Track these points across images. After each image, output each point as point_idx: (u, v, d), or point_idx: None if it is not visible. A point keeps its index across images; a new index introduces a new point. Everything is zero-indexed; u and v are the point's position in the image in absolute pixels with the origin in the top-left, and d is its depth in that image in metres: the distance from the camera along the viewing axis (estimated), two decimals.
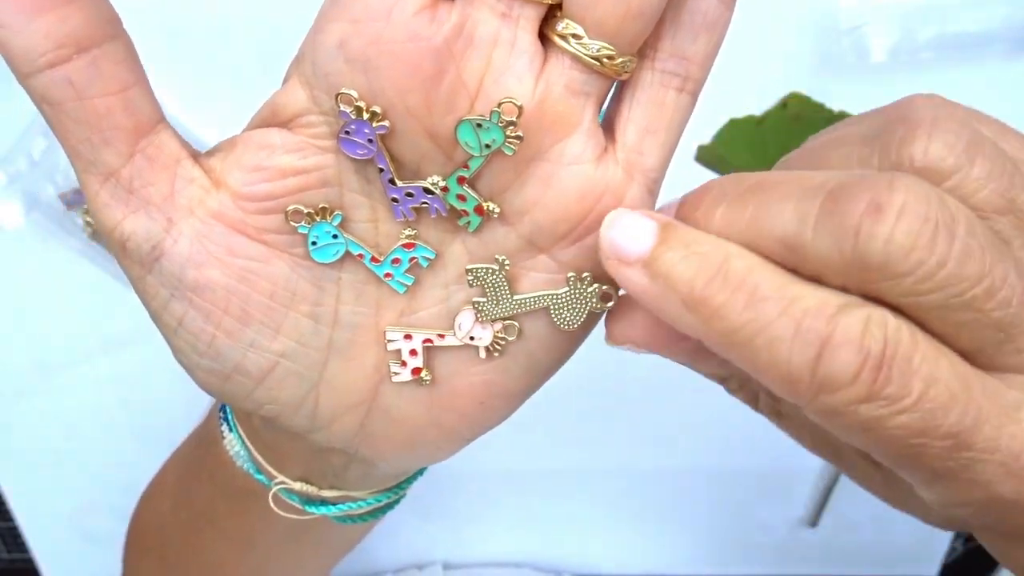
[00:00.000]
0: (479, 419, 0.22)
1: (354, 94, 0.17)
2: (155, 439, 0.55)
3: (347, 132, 0.18)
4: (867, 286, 0.15)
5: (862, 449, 0.16)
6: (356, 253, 0.19)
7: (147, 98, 0.18)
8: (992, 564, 0.66)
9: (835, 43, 0.42)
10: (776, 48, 0.42)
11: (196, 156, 0.19)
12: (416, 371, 0.20)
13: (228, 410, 0.26)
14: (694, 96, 0.19)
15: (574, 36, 0.17)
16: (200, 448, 0.31)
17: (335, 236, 0.19)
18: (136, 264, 0.19)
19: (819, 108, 0.44)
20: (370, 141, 0.18)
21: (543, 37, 0.18)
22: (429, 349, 0.20)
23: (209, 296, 0.19)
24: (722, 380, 0.20)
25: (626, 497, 0.58)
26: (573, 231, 0.19)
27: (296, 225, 0.19)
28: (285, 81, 0.19)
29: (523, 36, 0.17)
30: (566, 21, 0.17)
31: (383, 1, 0.17)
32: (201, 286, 0.19)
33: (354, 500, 0.25)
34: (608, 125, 0.19)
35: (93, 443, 0.55)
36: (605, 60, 0.17)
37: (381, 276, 0.19)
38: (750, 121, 0.44)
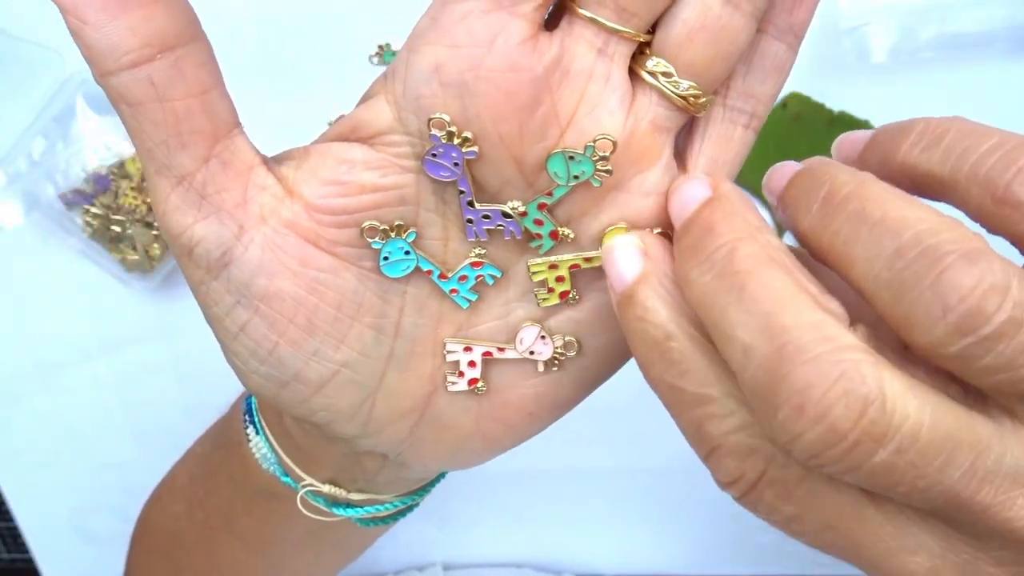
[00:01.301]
0: (524, 429, 0.22)
1: (447, 118, 0.17)
2: (155, 439, 0.55)
3: (434, 155, 0.18)
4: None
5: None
6: (426, 269, 0.19)
7: (225, 102, 0.18)
8: None
9: (835, 43, 0.42)
10: None
11: (268, 163, 0.19)
12: (472, 381, 0.20)
13: (255, 412, 0.26)
14: (757, 132, 0.19)
15: (664, 74, 0.17)
16: (219, 450, 0.31)
17: (407, 252, 0.19)
18: (201, 270, 0.18)
19: (819, 108, 0.44)
20: (456, 164, 0.18)
21: (631, 72, 0.18)
22: (487, 361, 0.20)
23: (278, 305, 0.19)
24: None
25: (626, 497, 0.58)
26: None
27: (371, 240, 0.19)
28: (368, 97, 0.19)
29: (617, 72, 0.18)
30: (657, 59, 0.17)
31: (489, 28, 0.17)
32: (271, 295, 0.19)
33: (380, 503, 0.26)
34: (679, 155, 0.19)
35: (93, 443, 0.55)
36: (691, 99, 0.18)
37: (447, 291, 0.20)
38: None
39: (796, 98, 0.43)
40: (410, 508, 0.27)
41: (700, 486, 0.59)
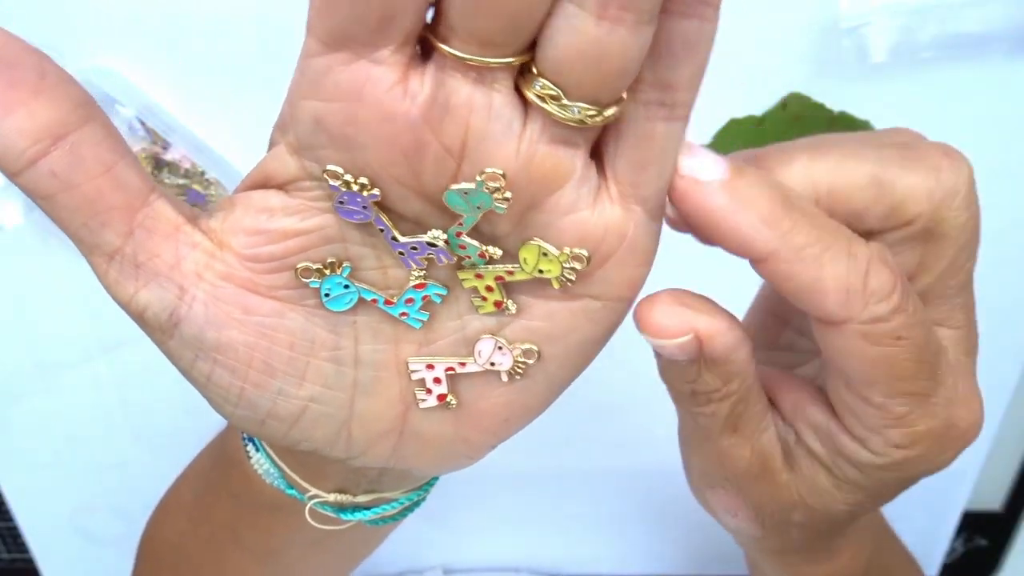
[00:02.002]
0: (503, 432, 0.22)
1: (340, 170, 0.17)
2: (155, 439, 0.55)
3: (341, 202, 0.18)
4: (939, 212, 0.19)
5: (865, 373, 0.19)
6: (369, 299, 0.20)
7: (134, 171, 0.18)
8: (992, 564, 0.66)
9: (835, 43, 0.42)
10: (776, 48, 0.42)
11: (194, 219, 0.19)
12: (441, 397, 0.21)
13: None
14: (685, 120, 0.18)
15: (552, 97, 0.16)
16: (219, 468, 0.31)
17: (346, 286, 0.19)
18: (157, 331, 0.19)
19: (819, 108, 0.44)
20: (364, 208, 0.18)
21: (519, 90, 0.17)
22: (452, 376, 0.21)
23: (232, 354, 0.19)
24: (715, 389, 0.21)
25: (626, 499, 0.58)
26: (605, 256, 0.19)
27: (307, 281, 0.19)
28: (272, 146, 0.19)
29: (498, 98, 0.16)
30: (542, 81, 0.16)
31: (353, 80, 0.16)
32: (223, 345, 0.19)
33: (388, 501, 0.26)
34: (598, 160, 0.18)
35: (93, 443, 0.55)
36: (588, 118, 0.16)
37: (396, 315, 0.20)
38: (750, 121, 0.44)
39: (796, 98, 0.43)
40: (418, 503, 0.28)
41: None
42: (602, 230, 0.18)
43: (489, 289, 0.19)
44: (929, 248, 0.20)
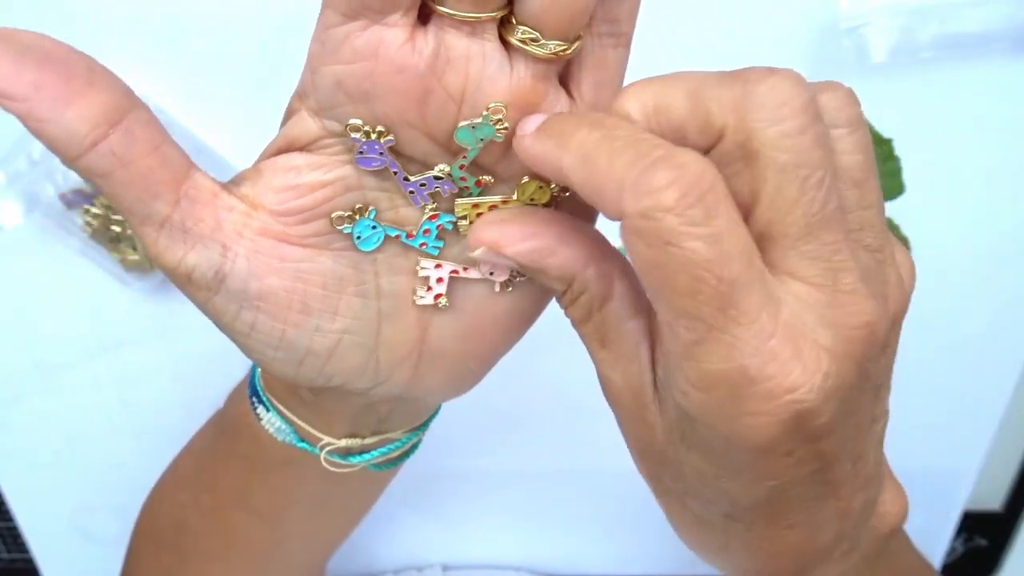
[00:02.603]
0: (505, 342, 0.26)
1: (360, 123, 0.21)
2: (155, 439, 0.55)
3: (361, 152, 0.21)
4: (744, 123, 0.18)
5: (643, 278, 0.18)
6: (394, 235, 0.23)
7: (176, 149, 0.21)
8: (992, 564, 0.66)
9: (835, 43, 0.42)
10: (776, 48, 0.42)
11: (228, 187, 0.22)
12: (437, 296, 0.24)
13: (261, 392, 0.29)
14: (628, 47, 0.22)
15: (532, 40, 0.20)
16: (225, 436, 0.33)
17: (373, 227, 0.23)
18: (203, 290, 0.21)
19: None
20: (381, 154, 0.21)
21: (505, 40, 0.20)
22: (454, 280, 0.24)
23: (273, 299, 0.22)
24: (561, 293, 0.22)
25: (626, 499, 0.58)
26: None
27: (340, 227, 0.22)
28: (290, 114, 0.22)
29: (489, 46, 0.20)
30: (522, 28, 0.20)
31: (369, 43, 0.19)
32: (265, 293, 0.22)
33: (391, 441, 0.29)
34: (565, 86, 0.22)
35: (93, 443, 0.55)
36: (560, 52, 0.20)
37: (417, 247, 0.23)
38: None
39: None
40: (416, 445, 0.31)
41: None
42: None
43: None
44: (750, 170, 0.18)
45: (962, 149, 0.45)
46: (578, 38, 0.20)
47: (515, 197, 0.23)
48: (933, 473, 0.56)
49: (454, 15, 0.19)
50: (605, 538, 0.61)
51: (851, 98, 0.21)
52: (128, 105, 0.20)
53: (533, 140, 0.20)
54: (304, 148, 0.21)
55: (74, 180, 0.44)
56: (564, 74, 0.22)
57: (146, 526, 0.40)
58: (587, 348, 0.23)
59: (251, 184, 0.22)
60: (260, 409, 0.29)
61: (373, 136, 0.21)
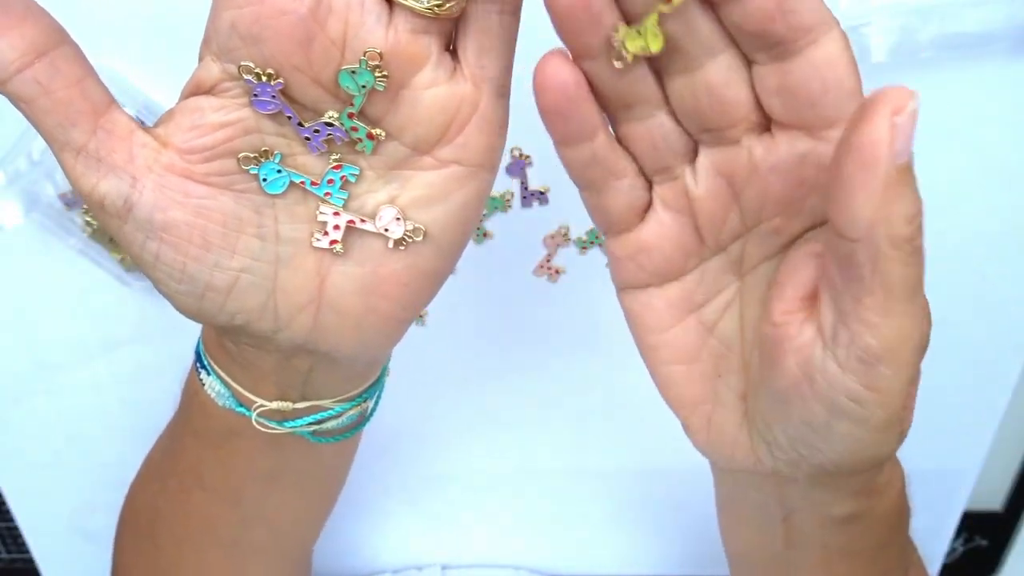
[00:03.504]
0: (408, 300, 0.27)
1: (252, 64, 0.22)
2: (155, 439, 0.55)
3: (255, 95, 0.23)
4: None
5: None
6: (299, 181, 0.24)
7: (98, 86, 0.23)
8: (992, 564, 0.66)
9: None
10: None
11: (144, 127, 0.24)
12: (333, 242, 0.25)
13: (203, 356, 0.31)
14: (513, 15, 0.23)
15: None
16: (181, 412, 0.35)
17: (279, 171, 0.24)
18: (114, 218, 0.23)
19: None
20: (273, 97, 0.23)
21: None
22: (352, 232, 0.25)
23: (175, 231, 0.24)
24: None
25: (626, 498, 0.58)
26: (446, 135, 0.24)
27: (246, 167, 0.24)
28: (200, 59, 0.23)
29: (369, 0, 0.22)
30: None
31: None
32: (168, 225, 0.24)
33: (322, 410, 0.30)
34: (453, 52, 0.24)
35: (92, 443, 0.55)
36: (437, 8, 0.22)
37: (321, 196, 0.25)
38: None
39: None
40: (357, 426, 0.32)
41: (697, 487, 0.59)
42: (458, 100, 0.24)
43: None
44: None
45: (962, 149, 0.45)
46: (459, 2, 0.22)
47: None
48: (933, 473, 0.56)
49: None
50: (605, 538, 0.60)
51: None
52: (56, 41, 0.22)
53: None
54: (209, 91, 0.23)
55: None
56: (453, 42, 0.24)
57: (125, 519, 0.41)
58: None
59: (164, 124, 0.24)
60: (203, 374, 0.30)
61: (264, 79, 0.22)
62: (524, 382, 0.53)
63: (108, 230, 0.24)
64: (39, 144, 0.43)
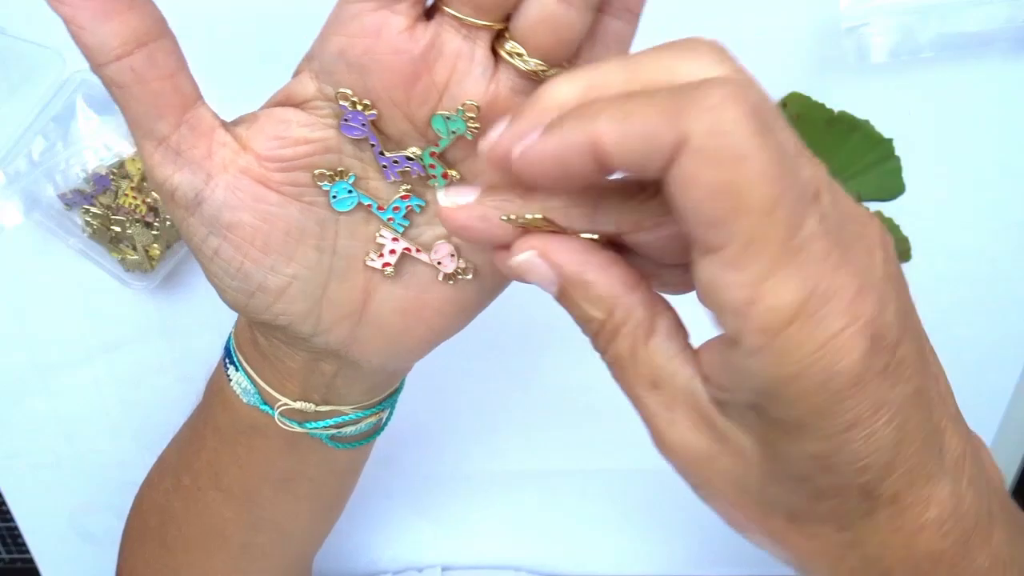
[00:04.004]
0: (443, 327, 0.28)
1: (350, 92, 0.23)
2: (155, 439, 0.55)
3: (346, 120, 0.24)
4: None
5: (724, 213, 0.17)
6: (366, 203, 0.25)
7: (190, 81, 0.23)
8: None
9: (835, 43, 0.42)
10: (776, 48, 0.42)
11: (226, 125, 0.24)
12: (386, 264, 0.26)
13: (232, 351, 0.31)
14: None
15: (518, 54, 0.22)
16: (202, 408, 0.35)
17: (349, 191, 0.25)
18: (182, 208, 0.24)
19: (819, 108, 0.44)
20: (363, 125, 0.24)
21: (495, 51, 0.23)
22: (405, 257, 0.26)
23: (239, 232, 0.24)
24: (600, 325, 0.22)
25: (626, 498, 0.58)
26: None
27: (320, 183, 0.25)
28: (297, 74, 0.24)
29: (479, 51, 0.23)
30: (512, 43, 0.22)
31: (375, 23, 0.22)
32: (234, 224, 0.24)
33: (341, 414, 0.31)
34: None
35: (92, 444, 0.55)
36: (540, 72, 0.22)
37: (384, 220, 0.26)
38: None
39: (796, 98, 0.43)
40: (372, 434, 0.33)
41: None
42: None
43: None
44: None
45: (962, 149, 0.45)
46: (561, 65, 0.22)
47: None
48: None
49: (456, 16, 0.22)
50: (605, 538, 0.61)
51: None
52: (157, 32, 0.22)
53: (548, 136, 0.19)
54: (299, 105, 0.24)
55: (74, 180, 0.44)
56: None
57: (134, 520, 0.41)
58: (635, 398, 0.22)
59: (246, 127, 0.24)
60: (231, 370, 0.31)
61: (359, 107, 0.23)
62: (524, 383, 0.53)
63: (171, 216, 0.25)
64: (39, 144, 0.43)
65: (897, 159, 0.45)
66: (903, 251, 0.48)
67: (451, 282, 0.27)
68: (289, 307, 0.26)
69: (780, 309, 0.17)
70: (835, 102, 0.43)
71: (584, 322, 0.22)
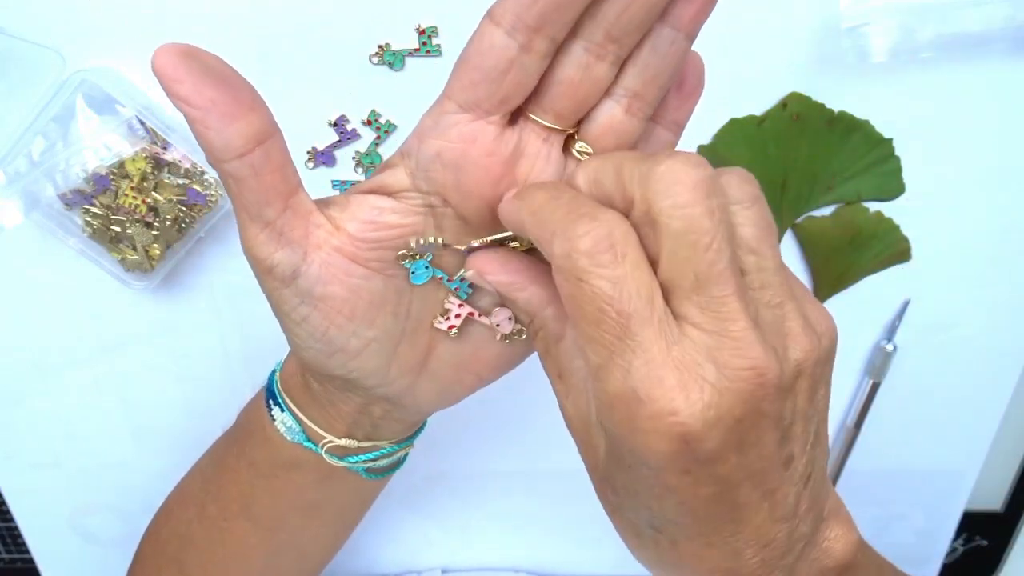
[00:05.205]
0: (488, 378, 0.31)
1: (407, 252, 0.27)
2: (155, 439, 0.55)
3: (413, 272, 0.28)
4: (647, 195, 0.22)
5: (572, 316, 0.22)
6: (438, 276, 0.28)
7: (294, 171, 0.26)
8: (992, 564, 0.66)
9: (835, 43, 0.42)
10: (776, 48, 0.42)
11: (320, 207, 0.27)
12: (451, 327, 0.29)
13: (278, 394, 0.34)
14: None
15: (586, 153, 0.26)
16: (236, 443, 0.37)
17: (426, 267, 0.28)
18: (278, 281, 0.26)
19: (819, 108, 0.44)
20: (427, 268, 0.28)
21: (567, 149, 0.27)
22: (468, 320, 0.30)
23: (330, 303, 0.27)
24: (526, 325, 0.28)
25: None
26: None
27: (403, 262, 0.28)
28: (388, 167, 0.27)
29: (555, 152, 0.26)
30: (581, 144, 0.26)
31: (472, 132, 0.25)
32: (325, 296, 0.27)
33: (381, 448, 0.34)
34: None
35: (92, 444, 0.55)
36: None
37: (452, 289, 0.29)
38: (750, 121, 0.44)
39: (796, 98, 0.43)
40: (401, 462, 0.36)
41: None
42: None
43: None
44: (654, 233, 0.22)
45: (962, 149, 0.45)
46: None
47: (517, 244, 0.28)
48: (933, 473, 0.56)
49: (538, 122, 0.26)
50: (605, 539, 0.60)
51: (746, 177, 0.23)
52: (272, 130, 0.24)
53: (506, 202, 0.26)
54: (391, 194, 0.27)
55: (74, 180, 0.44)
56: None
57: (148, 547, 0.42)
58: (549, 380, 0.27)
59: (340, 209, 0.27)
60: (275, 410, 0.33)
61: (419, 258, 0.28)
62: (524, 384, 0.53)
63: (264, 288, 0.27)
64: (39, 144, 0.43)
65: (897, 159, 0.45)
66: (903, 251, 0.48)
67: (507, 341, 0.30)
68: (363, 365, 0.29)
69: (611, 393, 0.22)
70: (835, 102, 0.43)
71: (518, 318, 0.28)
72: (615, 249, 0.21)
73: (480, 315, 0.29)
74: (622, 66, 0.25)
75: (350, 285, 0.27)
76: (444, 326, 0.30)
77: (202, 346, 0.51)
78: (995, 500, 0.62)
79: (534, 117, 0.26)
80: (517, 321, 0.29)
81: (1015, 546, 0.64)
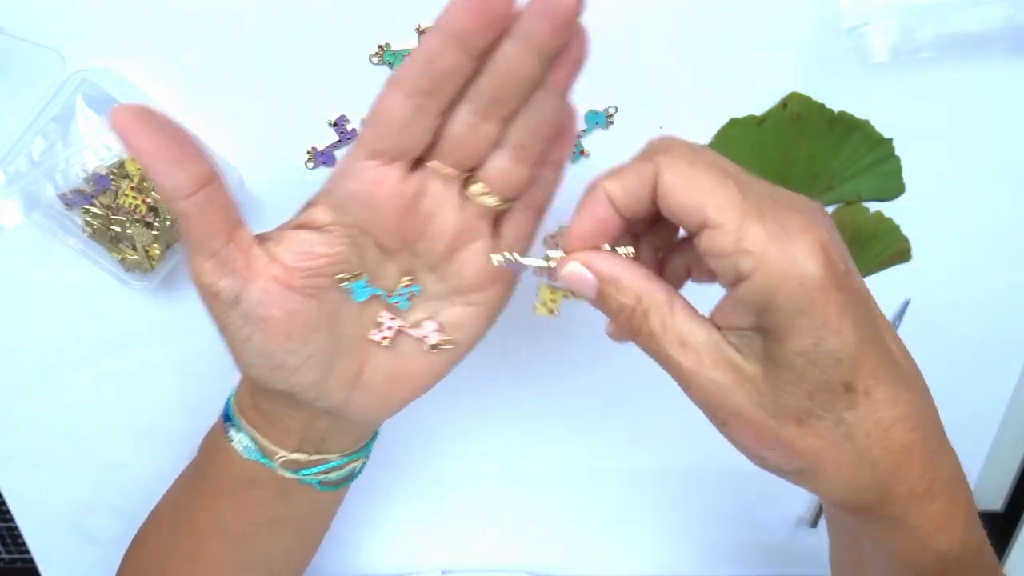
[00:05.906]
0: (419, 389, 0.35)
1: (344, 276, 0.32)
2: (155, 439, 0.55)
3: (351, 291, 0.32)
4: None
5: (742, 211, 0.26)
6: (378, 294, 0.33)
7: (235, 210, 0.30)
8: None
9: (835, 43, 0.42)
10: (776, 48, 0.42)
11: (258, 241, 0.31)
12: (384, 337, 0.34)
13: (232, 416, 0.37)
14: (541, 212, 0.33)
15: (485, 194, 0.31)
16: (201, 467, 0.40)
17: (365, 286, 0.32)
18: (223, 305, 0.30)
19: (819, 108, 0.44)
20: (365, 287, 0.32)
21: (465, 189, 0.31)
22: (399, 332, 0.34)
23: (270, 324, 0.31)
24: (631, 309, 0.30)
25: (625, 499, 0.58)
26: (480, 288, 0.33)
27: (343, 283, 0.32)
28: (312, 204, 0.31)
29: (452, 192, 0.31)
30: (479, 185, 0.31)
31: (380, 175, 0.30)
32: (265, 319, 0.31)
33: (330, 461, 0.37)
34: (496, 226, 0.33)
35: (93, 443, 0.55)
36: (499, 207, 0.32)
37: (392, 302, 0.33)
38: (750, 121, 0.44)
39: (796, 98, 0.43)
40: (355, 474, 0.39)
41: (698, 488, 0.59)
42: (494, 271, 0.33)
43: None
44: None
45: (962, 149, 0.45)
46: (511, 200, 0.32)
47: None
48: None
49: (437, 170, 0.30)
50: (605, 540, 0.61)
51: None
52: (213, 175, 0.29)
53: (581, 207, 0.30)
54: (317, 228, 0.31)
55: (74, 180, 0.44)
56: (497, 221, 0.33)
57: (131, 563, 0.44)
58: (667, 359, 0.29)
59: (275, 243, 0.31)
60: (232, 431, 0.37)
61: (354, 280, 0.32)
62: (523, 385, 0.53)
63: (211, 312, 0.31)
64: (39, 144, 0.43)
65: (897, 159, 0.45)
66: (903, 251, 0.48)
67: (434, 352, 0.34)
68: (302, 379, 0.32)
69: (756, 239, 0.25)
70: (835, 102, 0.43)
71: (618, 312, 0.30)
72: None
73: (411, 327, 0.33)
74: (510, 121, 0.29)
75: (287, 308, 0.31)
76: (377, 338, 0.33)
77: (202, 346, 0.51)
78: (995, 500, 0.62)
79: (436, 164, 0.30)
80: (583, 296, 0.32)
81: (1015, 546, 0.64)
